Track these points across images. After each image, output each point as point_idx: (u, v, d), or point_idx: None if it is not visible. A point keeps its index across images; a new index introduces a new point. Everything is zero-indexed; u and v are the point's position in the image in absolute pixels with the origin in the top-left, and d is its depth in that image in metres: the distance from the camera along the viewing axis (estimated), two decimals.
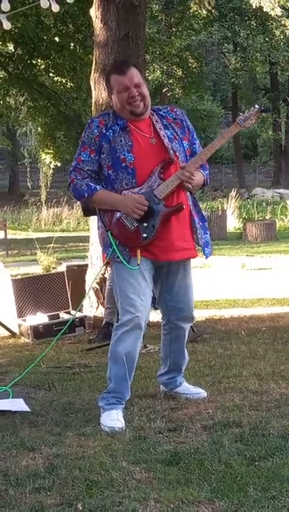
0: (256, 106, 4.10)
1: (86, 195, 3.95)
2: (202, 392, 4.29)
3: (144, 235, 3.91)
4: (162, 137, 3.96)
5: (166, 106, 4.20)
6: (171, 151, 3.94)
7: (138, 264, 3.91)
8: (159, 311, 4.54)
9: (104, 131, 3.96)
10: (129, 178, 3.91)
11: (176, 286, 4.13)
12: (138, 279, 3.94)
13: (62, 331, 4.67)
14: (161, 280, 4.14)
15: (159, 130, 3.98)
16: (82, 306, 6.57)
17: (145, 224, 3.90)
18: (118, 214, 3.92)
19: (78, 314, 6.83)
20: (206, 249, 4.10)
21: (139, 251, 3.91)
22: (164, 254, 3.99)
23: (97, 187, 3.95)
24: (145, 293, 3.98)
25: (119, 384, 3.98)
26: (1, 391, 4.46)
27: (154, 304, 6.13)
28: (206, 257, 4.13)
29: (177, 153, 3.97)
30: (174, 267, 4.10)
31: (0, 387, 4.54)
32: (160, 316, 4.43)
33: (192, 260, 4.18)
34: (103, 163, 3.96)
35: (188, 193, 4.05)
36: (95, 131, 3.98)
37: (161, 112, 4.09)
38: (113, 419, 3.82)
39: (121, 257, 3.91)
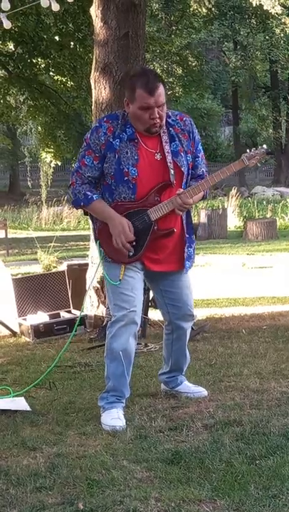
0: (264, 147, 4.12)
1: (82, 204, 3.99)
2: (203, 391, 4.29)
3: (131, 253, 3.95)
4: (166, 154, 3.92)
5: (174, 112, 4.10)
6: (172, 171, 3.90)
7: (120, 280, 3.94)
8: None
9: (110, 140, 3.90)
10: (128, 192, 3.91)
11: (174, 287, 4.14)
12: (130, 274, 3.98)
13: (73, 332, 4.65)
14: (158, 282, 4.17)
15: (164, 144, 3.93)
16: (85, 306, 6.57)
17: (133, 242, 3.94)
18: None
19: (78, 313, 6.83)
20: (186, 262, 4.10)
21: (123, 267, 3.96)
22: (153, 266, 4.03)
23: (94, 197, 3.95)
24: (138, 288, 4.02)
25: (118, 381, 3.99)
26: (15, 395, 4.43)
27: (147, 306, 6.17)
28: (186, 271, 4.13)
29: (182, 168, 3.96)
30: (165, 272, 4.11)
31: (2, 387, 4.55)
32: (161, 315, 4.43)
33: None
34: (106, 172, 3.94)
35: None
36: (102, 138, 3.92)
37: (170, 120, 4.01)
38: (114, 418, 3.83)
39: (106, 276, 4.01)
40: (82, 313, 6.75)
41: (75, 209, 4.33)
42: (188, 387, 4.33)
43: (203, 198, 4.19)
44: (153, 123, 3.86)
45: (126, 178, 3.88)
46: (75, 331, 6.22)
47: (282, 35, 31.71)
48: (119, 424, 3.77)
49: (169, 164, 3.90)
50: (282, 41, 32.61)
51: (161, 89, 3.84)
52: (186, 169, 3.99)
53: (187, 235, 4.09)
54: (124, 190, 3.91)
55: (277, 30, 31.45)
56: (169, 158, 3.91)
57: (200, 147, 4.13)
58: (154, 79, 3.89)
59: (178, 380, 4.33)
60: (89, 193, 3.95)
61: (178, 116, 4.07)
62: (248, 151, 4.11)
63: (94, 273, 6.62)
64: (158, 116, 3.85)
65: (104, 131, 3.93)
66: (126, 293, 3.95)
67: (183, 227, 4.06)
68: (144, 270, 4.06)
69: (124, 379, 4.00)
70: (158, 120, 3.87)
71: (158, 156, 3.93)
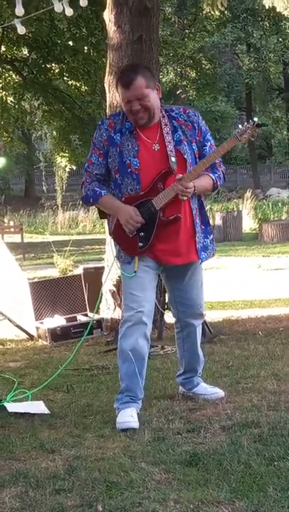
0: (254, 119, 4.12)
1: (91, 200, 4.09)
2: (220, 392, 4.29)
3: (140, 244, 4.00)
4: (166, 143, 3.95)
5: (179, 107, 4.19)
6: (173, 159, 3.93)
7: (135, 272, 3.99)
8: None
9: (112, 135, 4.00)
10: (134, 183, 3.96)
11: (184, 284, 4.17)
12: (141, 274, 4.01)
13: (83, 338, 4.66)
14: (170, 278, 4.21)
15: (165, 135, 3.97)
16: (98, 308, 6.57)
17: (142, 233, 3.99)
18: None
19: (96, 316, 6.84)
20: (202, 253, 4.10)
21: (136, 258, 4.00)
22: (166, 258, 4.05)
23: (102, 192, 4.03)
24: (148, 288, 4.05)
25: (131, 381, 4.00)
26: (23, 396, 4.48)
27: (163, 308, 6.17)
28: (201, 262, 4.14)
29: (185, 156, 3.98)
30: (181, 267, 4.13)
31: (21, 390, 4.58)
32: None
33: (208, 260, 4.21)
34: (111, 167, 4.02)
35: (194, 197, 4.05)
36: (104, 134, 4.03)
37: (173, 113, 4.06)
38: (127, 415, 3.85)
39: (122, 271, 4.07)
40: (98, 317, 6.77)
41: (88, 206, 4.40)
42: (205, 388, 4.33)
43: (214, 189, 4.17)
44: (134, 114, 3.93)
45: (129, 169, 3.94)
46: (88, 334, 6.24)
47: None
48: (132, 421, 3.79)
49: (169, 153, 3.94)
50: None
51: (139, 82, 3.90)
52: (190, 157, 4.00)
53: (203, 226, 4.11)
54: (129, 182, 3.96)
55: None
56: (170, 147, 3.95)
57: (208, 137, 4.14)
58: (131, 72, 3.97)
59: (194, 381, 4.34)
60: (97, 189, 4.04)
61: (181, 109, 4.14)
62: (239, 126, 4.11)
63: (107, 275, 6.64)
64: (139, 108, 3.91)
65: (106, 128, 4.03)
66: (134, 293, 4.00)
67: (193, 217, 4.05)
68: (158, 268, 4.09)
69: (136, 379, 4.01)
70: (140, 110, 3.91)
71: (156, 147, 3.97)
